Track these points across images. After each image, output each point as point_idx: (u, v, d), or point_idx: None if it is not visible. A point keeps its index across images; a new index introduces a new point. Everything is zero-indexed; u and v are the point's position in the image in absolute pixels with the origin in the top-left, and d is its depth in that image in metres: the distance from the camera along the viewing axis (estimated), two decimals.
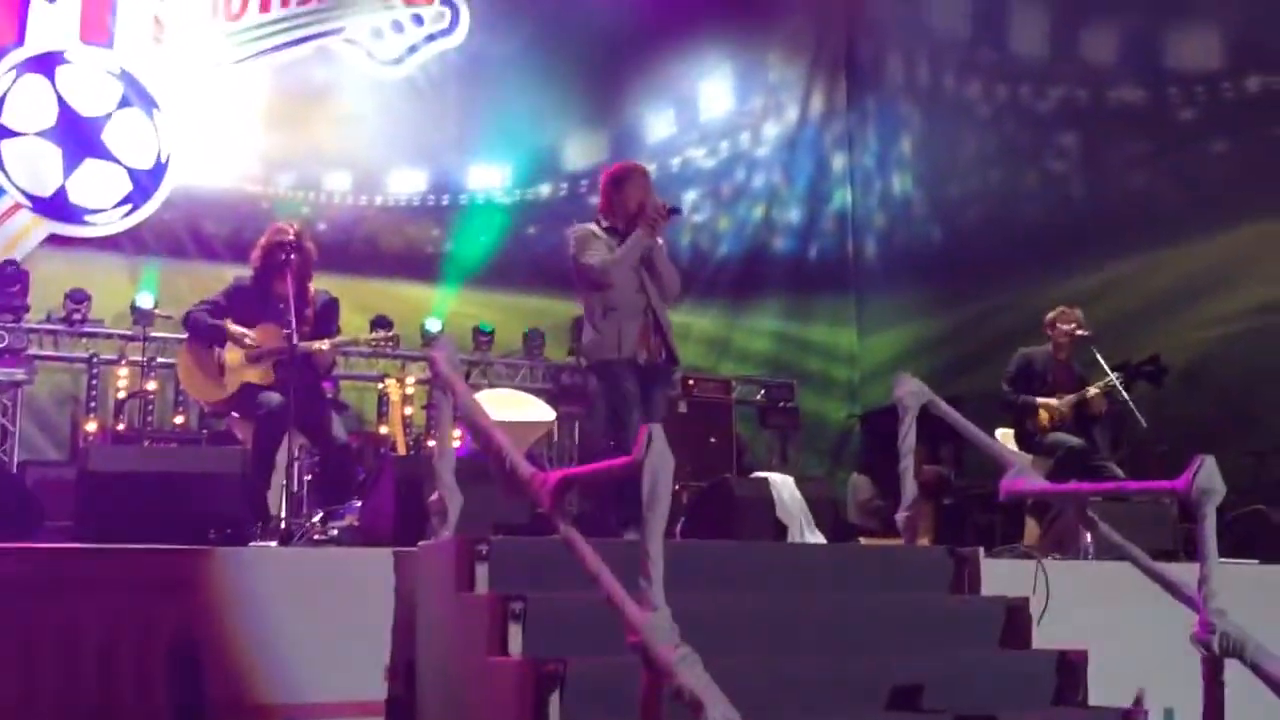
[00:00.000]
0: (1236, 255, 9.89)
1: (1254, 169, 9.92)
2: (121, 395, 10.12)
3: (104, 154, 10.59)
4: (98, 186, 10.57)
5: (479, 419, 4.58)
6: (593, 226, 6.34)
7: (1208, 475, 4.25)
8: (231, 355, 6.85)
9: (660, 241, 6.36)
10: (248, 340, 6.80)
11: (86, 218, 10.55)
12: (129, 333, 10.33)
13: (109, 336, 10.41)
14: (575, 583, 3.88)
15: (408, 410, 10.30)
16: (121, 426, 9.85)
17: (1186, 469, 4.27)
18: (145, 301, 10.32)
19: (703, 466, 9.40)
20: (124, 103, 10.72)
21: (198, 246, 11.00)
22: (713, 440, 10.51)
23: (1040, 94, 11.83)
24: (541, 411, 9.54)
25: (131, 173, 10.70)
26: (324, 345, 6.85)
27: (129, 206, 10.70)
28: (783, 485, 7.65)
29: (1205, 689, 4.18)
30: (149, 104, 10.82)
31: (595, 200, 13.25)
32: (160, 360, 10.11)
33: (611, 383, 6.13)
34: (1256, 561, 6.81)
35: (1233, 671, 4.18)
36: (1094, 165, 11.32)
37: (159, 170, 10.82)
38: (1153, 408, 8.05)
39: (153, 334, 10.15)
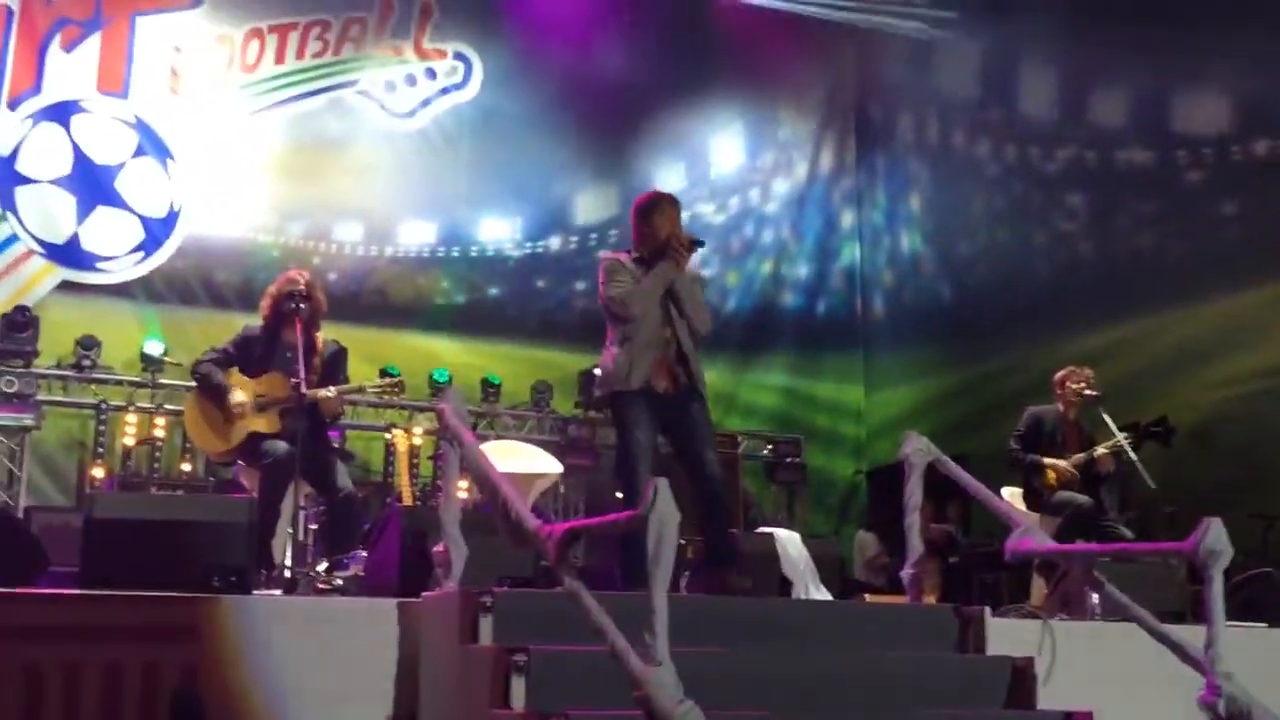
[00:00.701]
0: (1245, 317, 9.89)
1: (1262, 231, 9.94)
2: (129, 442, 10.14)
3: (117, 202, 10.68)
4: (110, 234, 10.65)
5: (486, 470, 4.59)
6: (622, 257, 6.19)
7: (1215, 537, 4.24)
8: (238, 405, 6.85)
9: (698, 273, 6.25)
10: (243, 407, 6.79)
11: (98, 265, 10.62)
12: (138, 379, 10.37)
13: (118, 383, 10.43)
14: (580, 636, 3.87)
15: (415, 461, 10.30)
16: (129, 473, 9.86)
17: (1194, 531, 4.26)
18: (155, 349, 10.37)
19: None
20: (138, 152, 10.82)
21: (209, 295, 11.07)
22: None
23: (1049, 155, 11.88)
24: (548, 464, 9.52)
25: (144, 221, 10.78)
26: (330, 392, 6.86)
27: (141, 254, 10.77)
28: (788, 541, 7.64)
29: None
30: (163, 153, 10.92)
31: (604, 253, 13.32)
32: (169, 407, 10.14)
33: (622, 419, 5.95)
34: (1265, 625, 6.77)
35: None
36: (1102, 226, 11.35)
37: (171, 219, 10.91)
38: (1161, 469, 8.02)
39: (162, 381, 10.18)
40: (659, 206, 6.25)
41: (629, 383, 5.91)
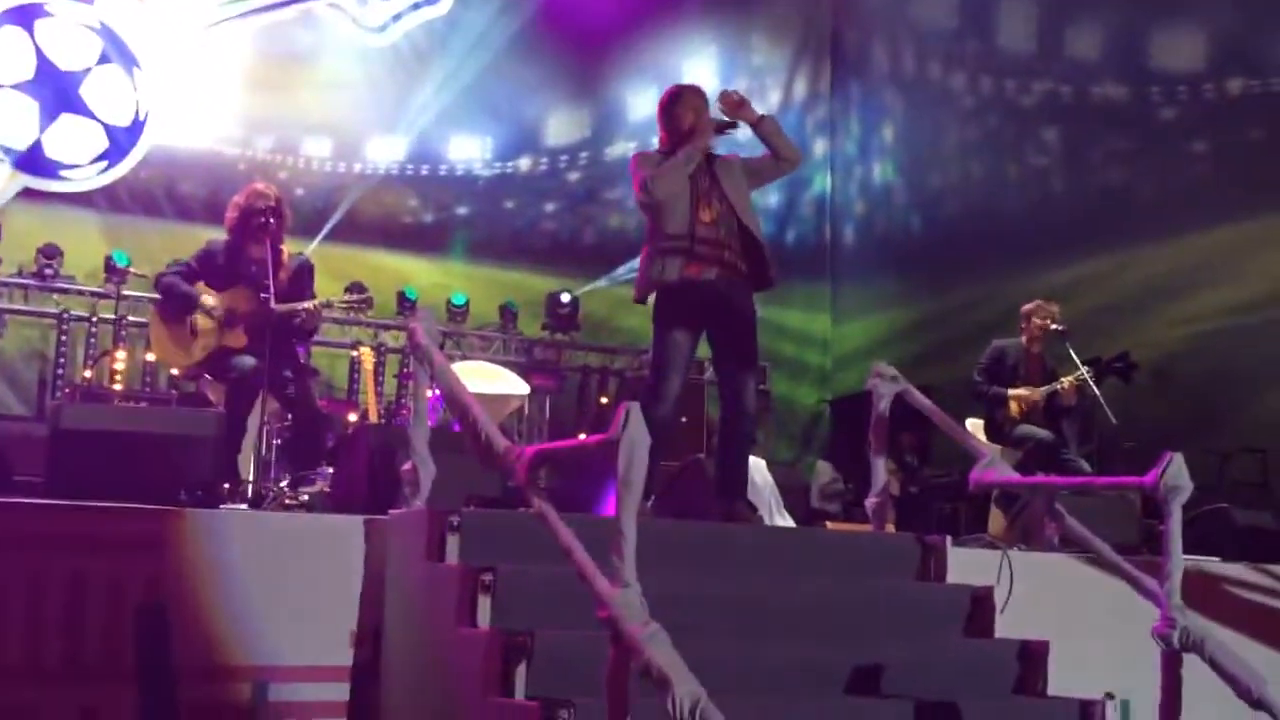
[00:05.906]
0: (1210, 255, 9.95)
1: (1231, 171, 9.99)
2: (92, 353, 10.05)
3: (82, 109, 10.49)
4: (74, 142, 10.46)
5: (456, 391, 4.58)
6: (650, 153, 6.01)
7: (1176, 472, 4.29)
8: (203, 320, 6.81)
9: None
10: (215, 312, 6.76)
11: (62, 173, 10.45)
12: (101, 290, 10.25)
13: (81, 293, 10.32)
14: (546, 556, 3.90)
15: (380, 379, 10.27)
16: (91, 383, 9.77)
17: (1155, 465, 4.31)
18: (119, 260, 10.24)
19: (675, 446, 9.38)
20: (103, 58, 10.61)
21: (173, 206, 10.93)
22: (684, 420, 10.49)
23: (1024, 88, 11.85)
24: (515, 385, 9.54)
25: (109, 129, 10.60)
26: (308, 305, 6.82)
27: (105, 163, 10.60)
28: (754, 468, 7.66)
29: (1163, 683, 4.22)
30: (129, 61, 10.72)
31: (574, 176, 13.22)
32: (132, 319, 10.04)
33: (657, 317, 5.77)
34: (1219, 559, 6.88)
35: (1191, 666, 4.23)
36: (1074, 161, 11.36)
37: (137, 128, 10.72)
38: (1122, 404, 8.10)
39: (125, 292, 10.08)
40: (680, 97, 5.98)
41: (663, 279, 5.72)
